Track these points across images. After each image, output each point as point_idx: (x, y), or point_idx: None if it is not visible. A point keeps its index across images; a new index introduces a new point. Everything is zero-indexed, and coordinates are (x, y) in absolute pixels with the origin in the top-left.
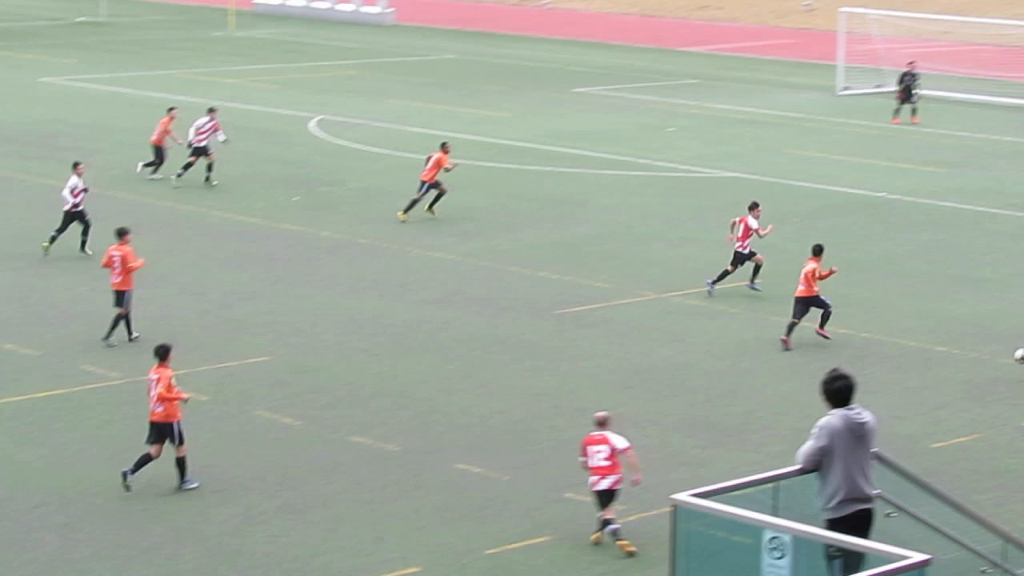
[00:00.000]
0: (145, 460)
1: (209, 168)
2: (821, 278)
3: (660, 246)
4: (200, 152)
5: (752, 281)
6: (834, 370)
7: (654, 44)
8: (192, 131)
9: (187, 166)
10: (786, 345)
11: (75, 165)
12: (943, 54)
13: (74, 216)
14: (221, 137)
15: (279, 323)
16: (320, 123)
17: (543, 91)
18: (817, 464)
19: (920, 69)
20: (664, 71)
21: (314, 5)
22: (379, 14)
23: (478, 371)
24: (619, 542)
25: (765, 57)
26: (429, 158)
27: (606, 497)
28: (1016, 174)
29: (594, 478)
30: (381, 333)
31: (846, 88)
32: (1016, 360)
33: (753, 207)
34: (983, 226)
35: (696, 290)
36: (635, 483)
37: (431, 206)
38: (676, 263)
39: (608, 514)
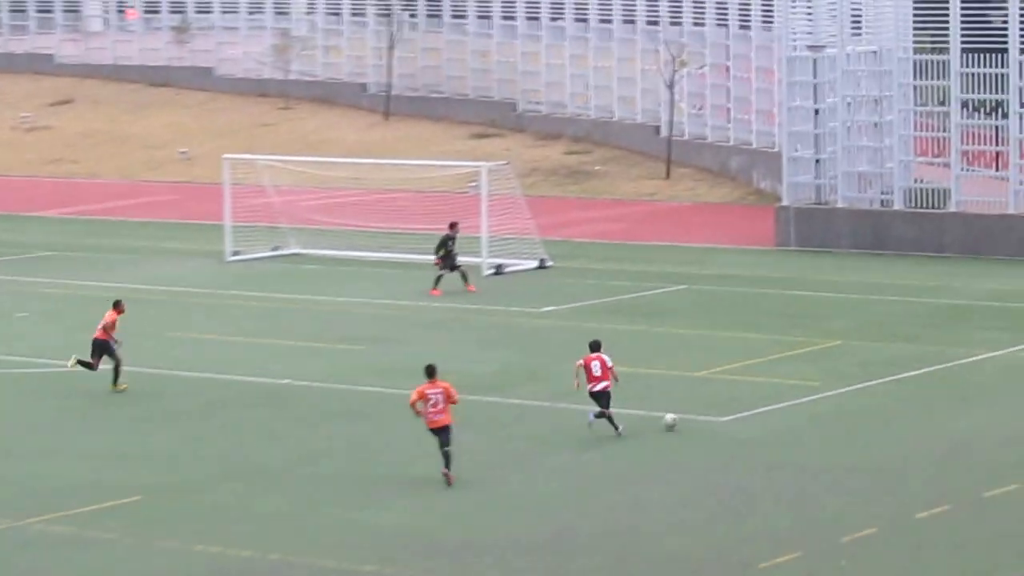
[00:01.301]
0: None
1: None
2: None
3: (13, 461)
4: None
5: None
6: None
7: None
8: None
9: None
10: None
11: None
12: (351, 205)
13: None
14: None
15: None
16: None
17: None
18: None
19: (459, 231)
20: (10, 242)
21: None
22: None
23: None
24: None
25: (138, 219)
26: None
27: None
28: (444, 345)
29: None
30: None
31: (236, 253)
32: (665, 426)
33: (596, 347)
34: (398, 414)
35: (62, 514)
36: None
37: (115, 381)
38: (35, 480)
39: None
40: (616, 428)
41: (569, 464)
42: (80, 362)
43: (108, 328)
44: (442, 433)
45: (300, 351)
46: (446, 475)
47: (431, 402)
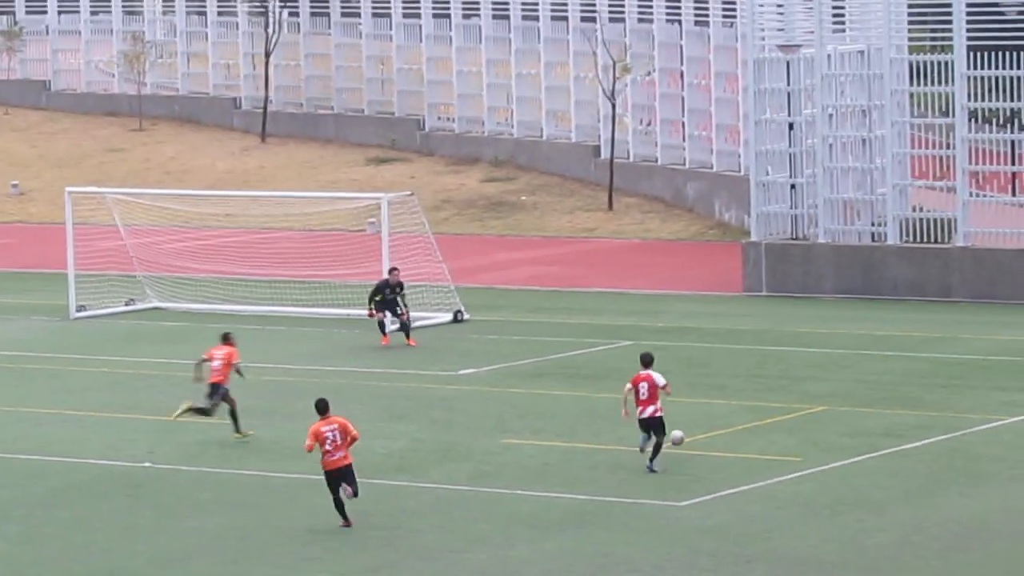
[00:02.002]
0: None
1: None
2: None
3: None
4: None
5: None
6: None
7: None
8: None
9: None
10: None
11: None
12: (222, 248)
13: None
14: None
15: None
16: None
17: None
18: None
19: (400, 277)
20: None
21: None
22: None
23: None
24: None
25: None
26: (210, 358)
27: None
28: (270, 422)
29: None
30: None
31: (82, 308)
32: (672, 443)
33: (649, 361)
34: (300, 502)
35: None
36: None
37: (237, 428)
38: None
39: None
40: (652, 464)
41: (491, 562)
42: (193, 409)
43: (225, 369)
44: (343, 475)
45: (163, 427)
46: (346, 524)
47: (328, 441)
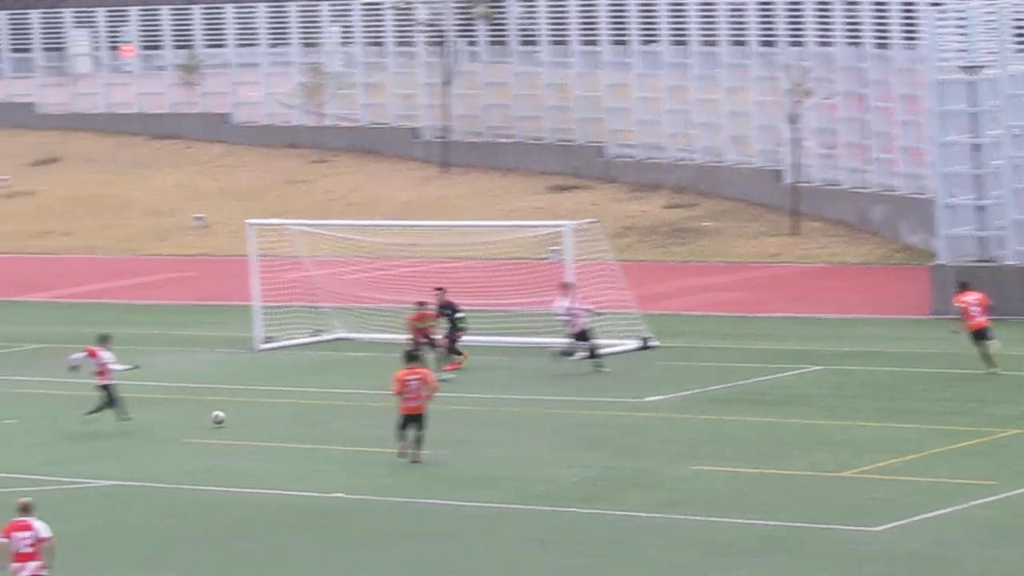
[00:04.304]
0: None
1: None
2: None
3: None
4: None
5: None
6: None
7: None
8: None
9: None
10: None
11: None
12: (406, 278)
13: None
14: None
15: None
16: None
17: None
18: None
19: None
20: None
21: None
22: None
23: None
24: None
25: (146, 302)
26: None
27: None
28: (530, 446)
29: (16, 565)
30: None
31: (269, 340)
32: (214, 422)
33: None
34: (496, 532)
35: None
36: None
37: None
38: None
39: None
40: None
41: None
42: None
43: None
44: (417, 420)
45: (352, 458)
46: (417, 455)
47: (410, 388)
